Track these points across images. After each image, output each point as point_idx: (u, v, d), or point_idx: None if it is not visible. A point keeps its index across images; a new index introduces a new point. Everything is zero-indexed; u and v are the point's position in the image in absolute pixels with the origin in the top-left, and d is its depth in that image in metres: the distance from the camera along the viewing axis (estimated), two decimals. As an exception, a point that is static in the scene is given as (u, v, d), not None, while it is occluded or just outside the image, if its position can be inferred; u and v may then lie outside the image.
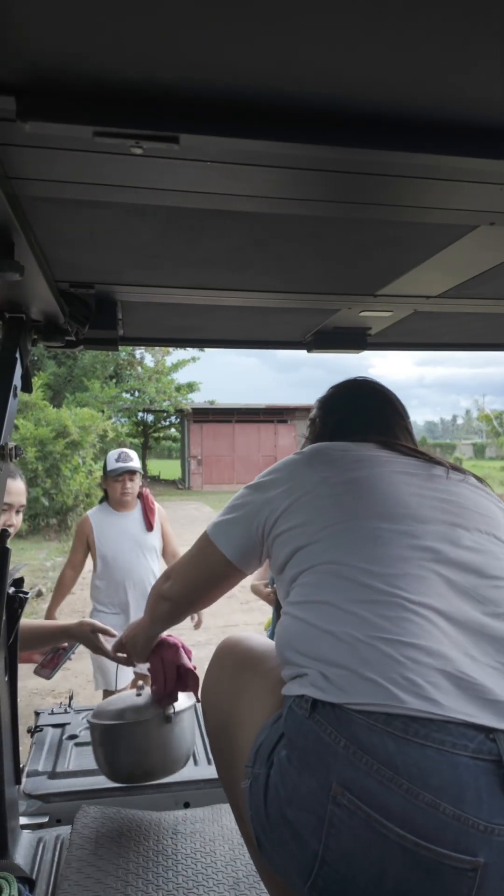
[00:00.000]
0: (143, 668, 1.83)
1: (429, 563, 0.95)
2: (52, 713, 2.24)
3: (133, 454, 3.48)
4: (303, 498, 1.08)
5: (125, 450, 3.49)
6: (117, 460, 3.38)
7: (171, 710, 1.62)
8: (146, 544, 3.47)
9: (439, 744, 0.78)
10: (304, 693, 0.86)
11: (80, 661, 5.60)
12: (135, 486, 3.43)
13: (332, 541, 1.00)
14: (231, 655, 1.26)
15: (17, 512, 2.10)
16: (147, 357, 18.20)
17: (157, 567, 3.51)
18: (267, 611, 3.69)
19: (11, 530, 1.64)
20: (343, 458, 1.14)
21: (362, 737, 0.79)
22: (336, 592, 0.93)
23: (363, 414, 1.35)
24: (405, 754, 0.77)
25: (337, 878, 0.78)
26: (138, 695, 1.69)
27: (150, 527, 3.47)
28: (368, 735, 0.79)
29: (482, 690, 0.82)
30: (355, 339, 2.03)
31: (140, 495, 3.51)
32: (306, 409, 26.75)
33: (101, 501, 3.56)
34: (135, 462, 3.43)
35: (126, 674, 3.19)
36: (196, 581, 1.27)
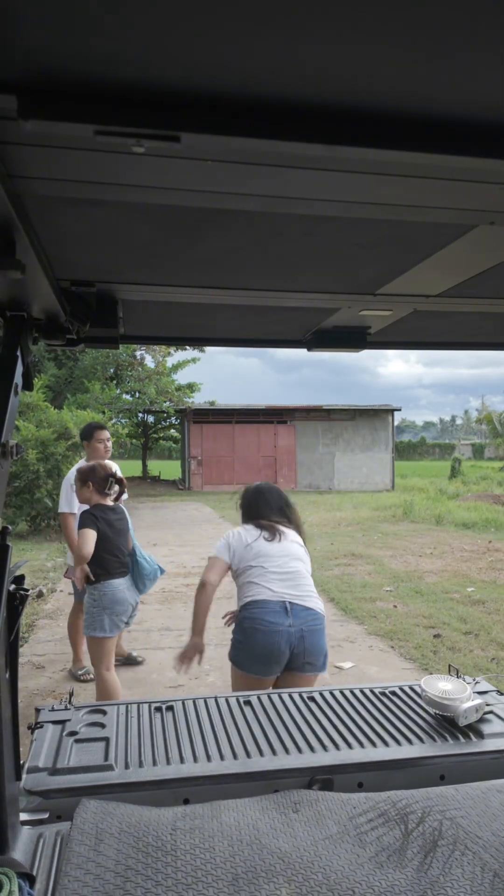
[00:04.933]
0: None
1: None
2: (53, 710, 2.24)
3: None
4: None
5: None
6: None
7: None
8: None
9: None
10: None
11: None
12: None
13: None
14: None
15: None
16: (147, 358, 18.22)
17: None
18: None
19: None
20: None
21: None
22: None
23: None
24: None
25: None
26: None
27: None
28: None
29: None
30: (355, 338, 2.04)
31: None
32: (306, 410, 26.70)
33: None
34: None
35: None
36: None
